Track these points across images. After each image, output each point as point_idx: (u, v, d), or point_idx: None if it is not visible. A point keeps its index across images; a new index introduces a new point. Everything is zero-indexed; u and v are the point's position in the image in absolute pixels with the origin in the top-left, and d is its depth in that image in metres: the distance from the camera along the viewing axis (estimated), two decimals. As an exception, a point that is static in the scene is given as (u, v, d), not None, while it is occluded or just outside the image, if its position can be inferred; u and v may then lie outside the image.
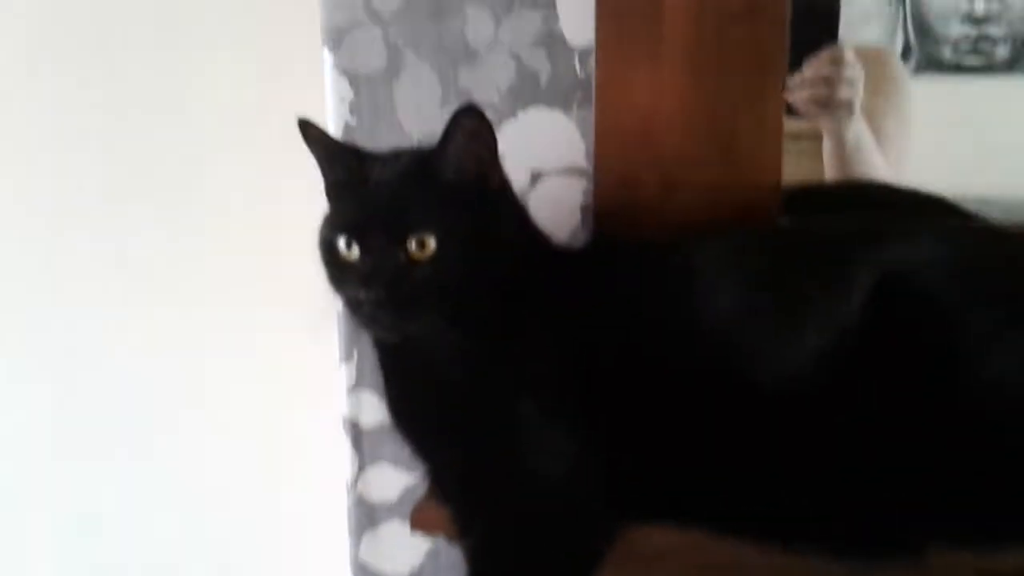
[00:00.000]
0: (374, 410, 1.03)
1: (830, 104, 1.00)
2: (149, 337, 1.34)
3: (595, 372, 0.70)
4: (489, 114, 0.90)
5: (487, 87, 0.93)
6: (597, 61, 0.89)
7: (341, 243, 0.73)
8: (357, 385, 1.03)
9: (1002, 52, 1.45)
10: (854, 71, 1.00)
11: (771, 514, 0.67)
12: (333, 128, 0.97)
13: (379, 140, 0.95)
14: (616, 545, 0.69)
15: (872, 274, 0.66)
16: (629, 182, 0.90)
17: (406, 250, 0.70)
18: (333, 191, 0.79)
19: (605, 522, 0.68)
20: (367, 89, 0.95)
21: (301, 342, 1.30)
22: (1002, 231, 0.77)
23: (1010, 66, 1.47)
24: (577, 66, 0.92)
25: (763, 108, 0.86)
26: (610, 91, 0.89)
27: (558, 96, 0.93)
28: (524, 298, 0.74)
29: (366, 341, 0.99)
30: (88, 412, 1.39)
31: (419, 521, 0.75)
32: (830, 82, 1.00)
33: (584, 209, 0.94)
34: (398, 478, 1.05)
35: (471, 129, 0.71)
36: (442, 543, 1.05)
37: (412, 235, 0.70)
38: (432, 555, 1.06)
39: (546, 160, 0.94)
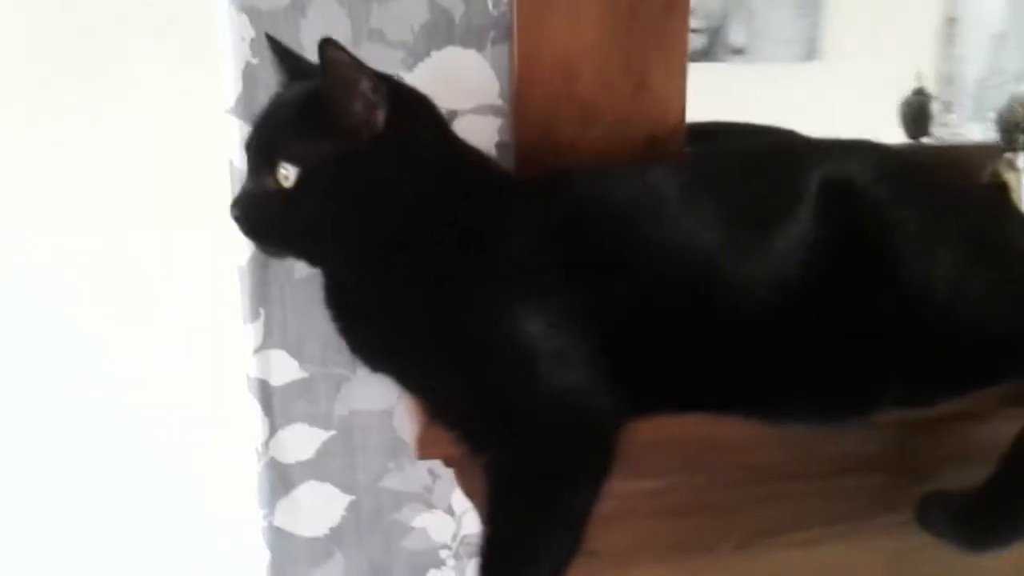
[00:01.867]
0: (284, 368, 0.99)
1: None
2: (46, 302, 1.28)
3: (584, 287, 0.74)
4: (402, 54, 0.92)
5: (400, 26, 0.92)
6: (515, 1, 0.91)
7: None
8: (265, 345, 0.98)
9: (697, 43, 1.65)
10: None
11: (753, 391, 0.75)
12: (232, 69, 0.90)
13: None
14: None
15: (819, 182, 0.76)
16: (549, 118, 0.93)
17: (275, 177, 0.72)
18: None
19: (615, 416, 0.72)
20: (270, 27, 0.89)
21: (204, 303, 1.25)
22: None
23: (705, 54, 1.69)
24: (490, 4, 0.93)
25: (671, 48, 0.94)
26: (530, 30, 0.91)
27: (471, 35, 0.93)
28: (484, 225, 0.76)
29: (274, 300, 0.95)
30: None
31: (427, 452, 0.74)
32: None
33: (500, 146, 0.96)
34: (313, 436, 1.01)
35: (335, 67, 0.71)
36: (363, 495, 1.04)
37: (277, 162, 0.72)
38: (352, 508, 1.04)
39: (461, 99, 0.94)
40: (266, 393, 0.99)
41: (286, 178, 0.72)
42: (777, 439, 0.82)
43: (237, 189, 0.78)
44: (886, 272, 0.74)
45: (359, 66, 0.70)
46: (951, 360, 0.76)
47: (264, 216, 0.74)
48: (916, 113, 1.35)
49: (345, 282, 0.78)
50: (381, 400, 1.02)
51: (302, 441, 1.01)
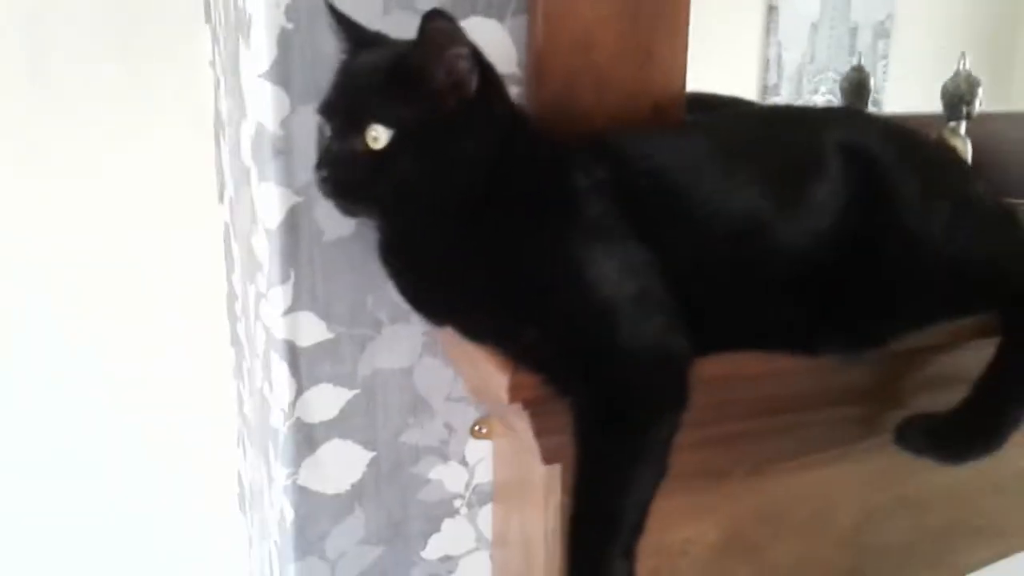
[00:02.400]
0: (312, 330, 1.01)
1: None
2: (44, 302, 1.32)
3: (646, 239, 0.81)
4: None
5: (431, -2, 0.96)
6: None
7: (321, 123, 0.81)
8: (293, 307, 0.99)
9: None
10: None
11: (790, 330, 0.85)
12: (265, 35, 0.91)
13: (318, 47, 0.93)
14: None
15: (836, 145, 0.86)
16: (567, 88, 1.00)
17: (363, 139, 0.76)
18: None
19: (689, 353, 0.79)
20: (303, -8, 0.91)
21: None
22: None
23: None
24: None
25: (675, 19, 1.02)
26: (551, 3, 0.97)
27: (494, 6, 0.98)
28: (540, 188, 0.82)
29: (303, 263, 0.98)
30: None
31: (518, 394, 0.79)
32: None
33: (517, 114, 1.01)
34: (337, 395, 1.04)
35: (436, 36, 0.76)
36: (383, 451, 1.08)
37: (367, 124, 0.76)
38: (373, 464, 1.07)
39: (483, 67, 0.99)
40: (293, 355, 1.01)
41: (376, 139, 0.75)
42: (791, 375, 0.92)
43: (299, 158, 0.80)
44: (894, 221, 0.85)
45: (460, 34, 0.75)
46: (939, 295, 0.88)
47: (353, 176, 0.77)
48: (856, 87, 1.49)
49: (415, 239, 0.82)
50: (403, 358, 1.05)
51: (327, 401, 1.04)
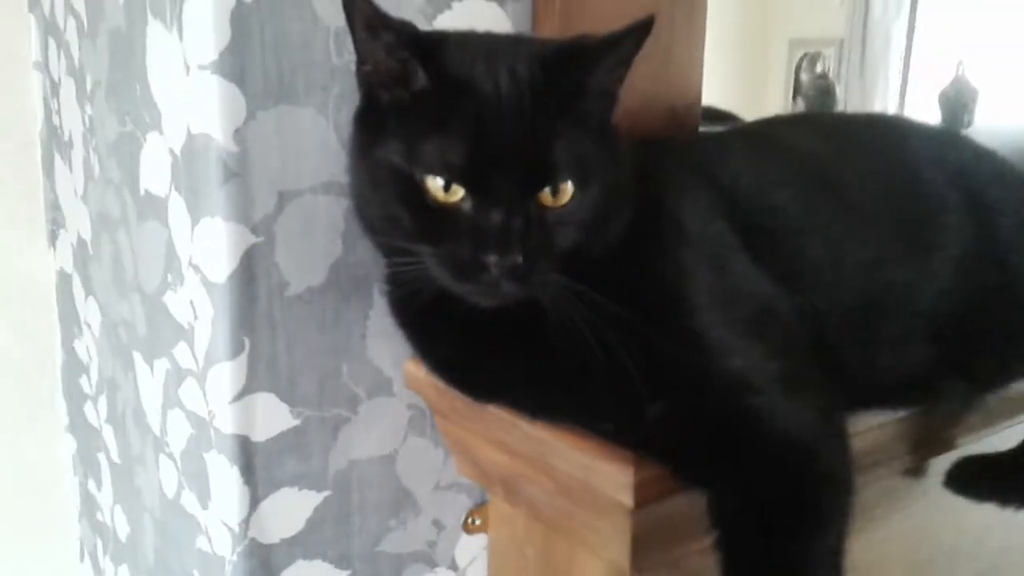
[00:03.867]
0: (271, 417, 0.74)
1: None
2: None
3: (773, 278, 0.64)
4: (421, 2, 0.74)
5: None
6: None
7: (435, 183, 0.55)
8: (248, 388, 0.72)
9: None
10: None
11: (909, 382, 0.71)
12: (213, 10, 0.64)
13: (281, 26, 0.67)
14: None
15: (947, 179, 0.74)
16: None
17: (537, 198, 0.56)
18: (413, 103, 0.57)
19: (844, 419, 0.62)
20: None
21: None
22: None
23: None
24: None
25: (693, 18, 0.86)
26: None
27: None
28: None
29: (261, 326, 0.71)
30: None
31: (645, 494, 0.57)
32: None
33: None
34: (304, 501, 0.77)
35: (632, 51, 0.58)
36: (359, 567, 0.81)
37: (552, 183, 0.56)
38: (347, 590, 0.81)
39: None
40: (247, 454, 0.73)
41: (555, 193, 0.56)
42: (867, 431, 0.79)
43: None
44: (1003, 256, 0.74)
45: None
46: None
47: (544, 247, 0.56)
48: (821, 96, 1.42)
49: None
50: (385, 443, 0.80)
51: (290, 511, 0.76)
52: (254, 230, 0.70)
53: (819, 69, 1.46)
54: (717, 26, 0.94)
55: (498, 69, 0.56)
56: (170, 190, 0.74)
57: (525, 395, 0.64)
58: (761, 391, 0.59)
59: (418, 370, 0.76)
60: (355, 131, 0.60)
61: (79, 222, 1.03)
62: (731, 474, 0.58)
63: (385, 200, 0.57)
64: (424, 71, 0.55)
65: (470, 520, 0.88)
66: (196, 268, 0.72)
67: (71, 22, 0.94)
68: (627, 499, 0.58)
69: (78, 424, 1.18)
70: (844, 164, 0.73)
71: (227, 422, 0.72)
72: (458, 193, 0.55)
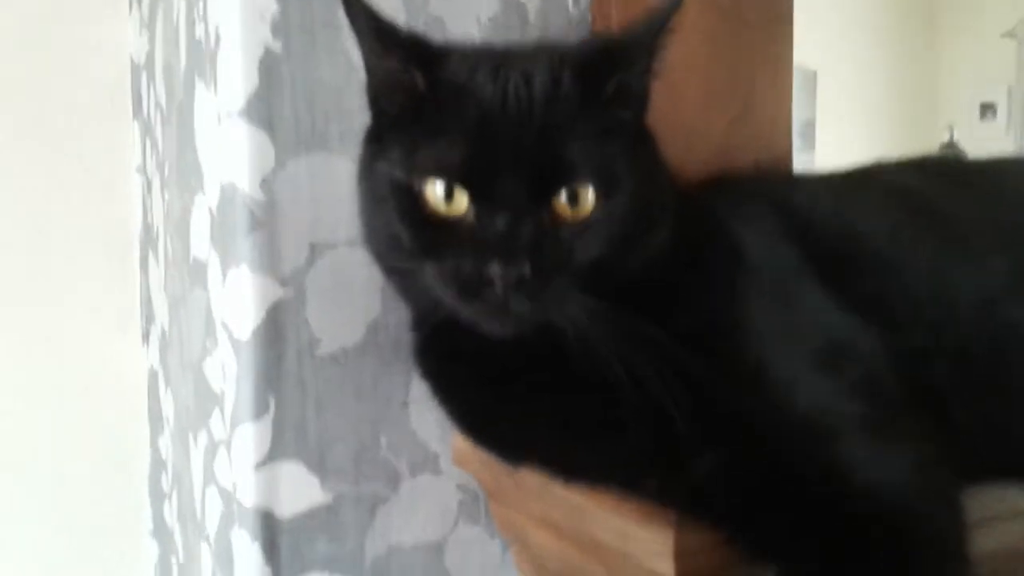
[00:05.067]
0: (299, 490, 0.67)
1: None
2: None
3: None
4: None
5: (464, 16, 0.70)
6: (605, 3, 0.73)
7: (434, 191, 0.50)
8: (272, 455, 0.66)
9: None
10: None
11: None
12: (243, 58, 0.64)
13: (313, 73, 0.66)
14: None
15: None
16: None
17: (551, 207, 0.49)
18: (414, 111, 0.52)
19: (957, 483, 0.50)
20: (298, 4, 0.65)
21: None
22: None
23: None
24: (570, 2, 0.75)
25: (777, 65, 0.79)
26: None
27: (546, 34, 0.74)
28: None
29: (289, 386, 0.66)
30: None
31: (688, 564, 0.47)
32: None
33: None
34: (335, 591, 0.69)
35: (666, 37, 0.52)
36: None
37: (567, 185, 0.49)
38: None
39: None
40: (270, 530, 0.66)
41: (574, 201, 0.49)
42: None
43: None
44: None
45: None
46: None
47: (559, 262, 0.49)
48: None
49: (546, 335, 0.51)
50: (431, 529, 0.72)
51: (320, 601, 0.69)
52: (282, 283, 0.66)
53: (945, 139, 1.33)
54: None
55: (508, 73, 0.51)
56: (210, 251, 0.72)
57: (556, 449, 0.55)
58: (840, 435, 0.48)
59: (467, 445, 0.68)
60: (361, 150, 0.56)
61: (162, 313, 1.04)
62: (803, 542, 0.47)
63: (387, 218, 0.52)
64: (424, 78, 0.51)
65: (533, 629, 0.76)
66: (225, 326, 0.68)
67: (157, 115, 0.98)
68: (668, 570, 0.47)
69: (160, 528, 1.15)
70: (957, 199, 0.62)
71: (250, 493, 0.66)
72: (461, 204, 0.49)
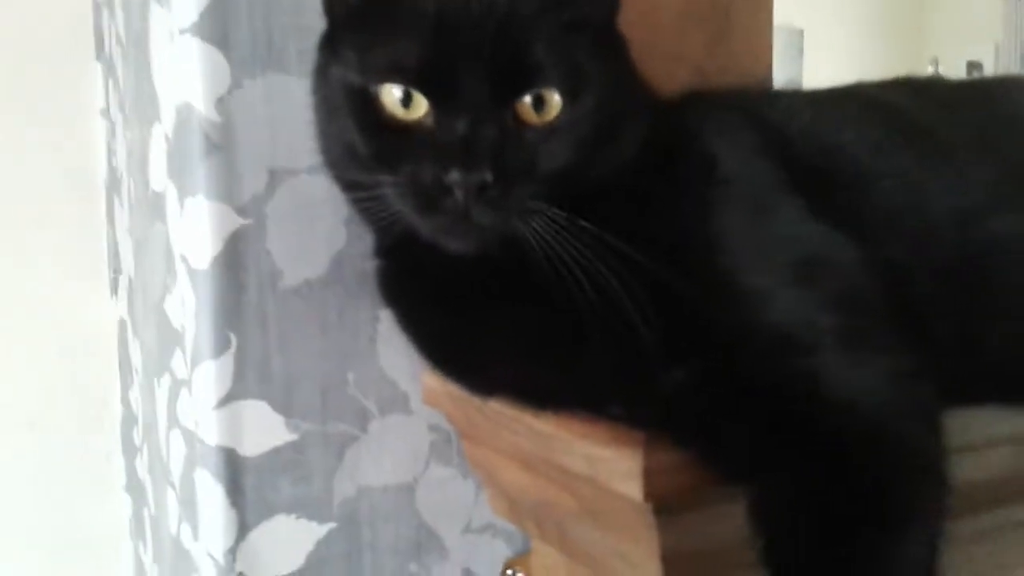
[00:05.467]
0: (263, 429, 0.65)
1: None
2: None
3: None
4: None
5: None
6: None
7: (391, 94, 0.46)
8: (234, 393, 0.63)
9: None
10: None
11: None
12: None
13: (272, -7, 0.62)
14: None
15: None
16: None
17: (514, 110, 0.46)
18: (368, 8, 0.49)
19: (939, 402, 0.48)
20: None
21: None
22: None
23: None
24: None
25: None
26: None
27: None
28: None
29: (250, 321, 0.63)
30: None
31: (657, 483, 0.44)
32: None
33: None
34: (303, 533, 0.67)
35: None
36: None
37: (532, 88, 0.47)
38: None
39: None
40: (233, 469, 0.64)
41: (540, 104, 0.47)
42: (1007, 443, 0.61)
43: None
44: None
45: None
46: None
47: (524, 169, 0.46)
48: None
49: (512, 251, 0.48)
50: (402, 469, 0.70)
51: (286, 544, 0.66)
52: (241, 211, 0.63)
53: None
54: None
55: None
56: (167, 182, 0.69)
57: (523, 372, 0.52)
58: (815, 348, 0.46)
59: (437, 382, 0.65)
60: (316, 57, 0.53)
61: (128, 260, 1.00)
62: (777, 460, 0.45)
63: (342, 126, 0.49)
64: None
65: (509, 572, 0.74)
66: (184, 259, 0.65)
67: (117, 51, 0.94)
68: (635, 491, 0.44)
69: (132, 482, 1.13)
70: (940, 115, 0.60)
71: (212, 431, 0.64)
72: (420, 108, 0.46)
